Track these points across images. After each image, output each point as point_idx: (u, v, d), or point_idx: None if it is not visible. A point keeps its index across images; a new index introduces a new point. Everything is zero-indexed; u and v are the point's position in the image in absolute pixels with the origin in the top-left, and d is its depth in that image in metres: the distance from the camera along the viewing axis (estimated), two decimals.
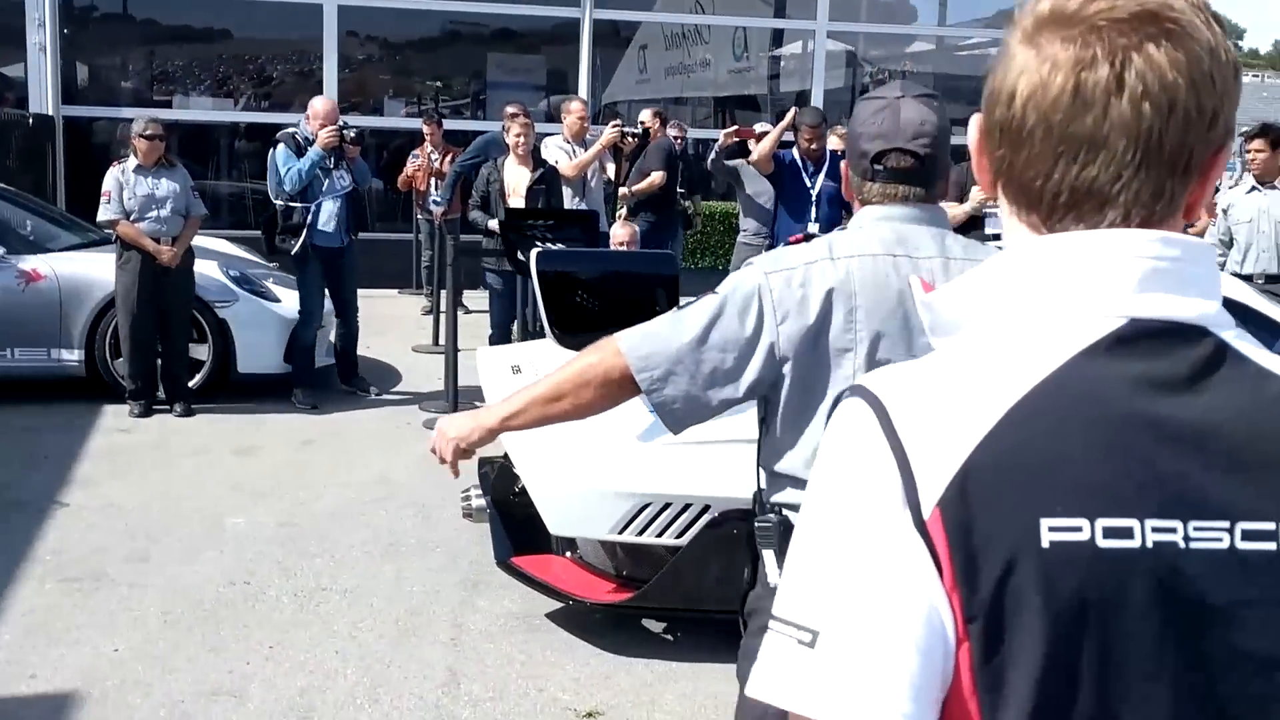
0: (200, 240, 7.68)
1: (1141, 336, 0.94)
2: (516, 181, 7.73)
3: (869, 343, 2.14)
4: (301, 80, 13.57)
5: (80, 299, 7.45)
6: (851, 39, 15.19)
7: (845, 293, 2.14)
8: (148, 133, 7.25)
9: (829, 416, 2.20)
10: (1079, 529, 0.89)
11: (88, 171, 12.27)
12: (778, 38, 15.53)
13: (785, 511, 2.23)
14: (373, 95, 14.02)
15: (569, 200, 8.28)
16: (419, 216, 11.37)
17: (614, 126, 8.45)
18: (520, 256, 5.60)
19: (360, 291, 8.15)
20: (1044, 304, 0.97)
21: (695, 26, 14.76)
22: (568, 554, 4.55)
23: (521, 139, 7.72)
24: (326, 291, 7.78)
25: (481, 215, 7.74)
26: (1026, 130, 0.96)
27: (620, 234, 8.17)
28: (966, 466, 0.91)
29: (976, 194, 7.56)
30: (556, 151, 8.41)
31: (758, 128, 9.06)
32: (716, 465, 4.00)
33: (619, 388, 2.21)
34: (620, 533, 4.20)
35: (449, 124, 11.89)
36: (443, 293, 9.32)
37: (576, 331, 4.26)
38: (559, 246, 5.54)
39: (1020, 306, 0.98)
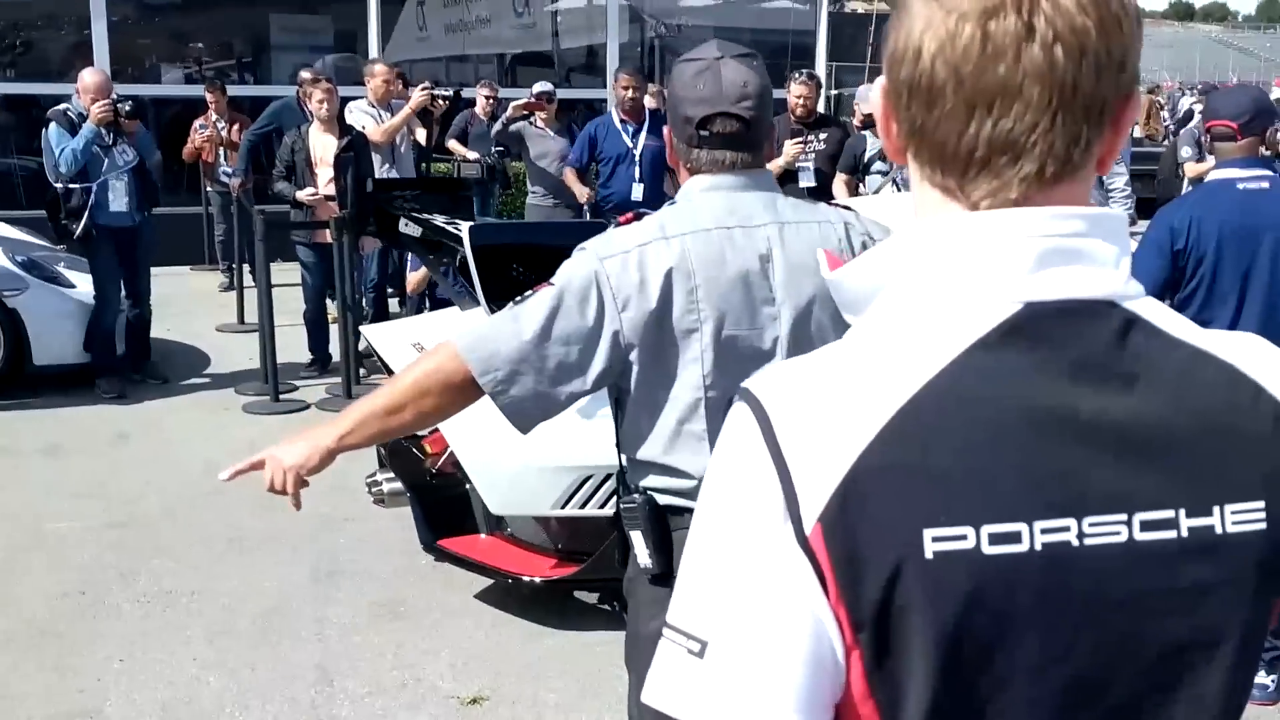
0: None
1: (1040, 320, 0.92)
2: (324, 150, 7.44)
3: (714, 321, 2.12)
4: (63, 46, 12.70)
5: None
6: None
7: (684, 272, 2.11)
8: None
9: (688, 403, 2.17)
10: (963, 537, 0.88)
11: None
12: None
13: (650, 492, 2.23)
14: (147, 61, 13.23)
15: (379, 167, 8.02)
16: (209, 189, 10.82)
17: (423, 89, 8.22)
18: (404, 228, 5.40)
19: (152, 270, 7.70)
20: (939, 292, 0.94)
21: None
22: (496, 532, 4.45)
23: (325, 105, 7.43)
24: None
25: (288, 186, 7.43)
26: (937, 86, 0.93)
27: None
28: (848, 479, 0.89)
29: (789, 148, 7.67)
30: (363, 116, 8.14)
31: (536, 88, 8.93)
32: None
33: (461, 392, 2.14)
34: (563, 507, 4.13)
35: (233, 90, 11.35)
36: (246, 268, 8.97)
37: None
38: (428, 216, 5.37)
39: (917, 294, 0.95)
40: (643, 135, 7.72)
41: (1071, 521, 0.90)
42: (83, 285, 7.34)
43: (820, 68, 14.31)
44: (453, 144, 9.64)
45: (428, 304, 7.92)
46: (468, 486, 4.30)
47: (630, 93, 7.82)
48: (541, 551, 4.37)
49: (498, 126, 8.47)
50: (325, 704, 3.84)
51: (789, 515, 0.90)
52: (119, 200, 7.16)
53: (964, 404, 0.90)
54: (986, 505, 0.89)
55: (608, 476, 4.13)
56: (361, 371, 7.44)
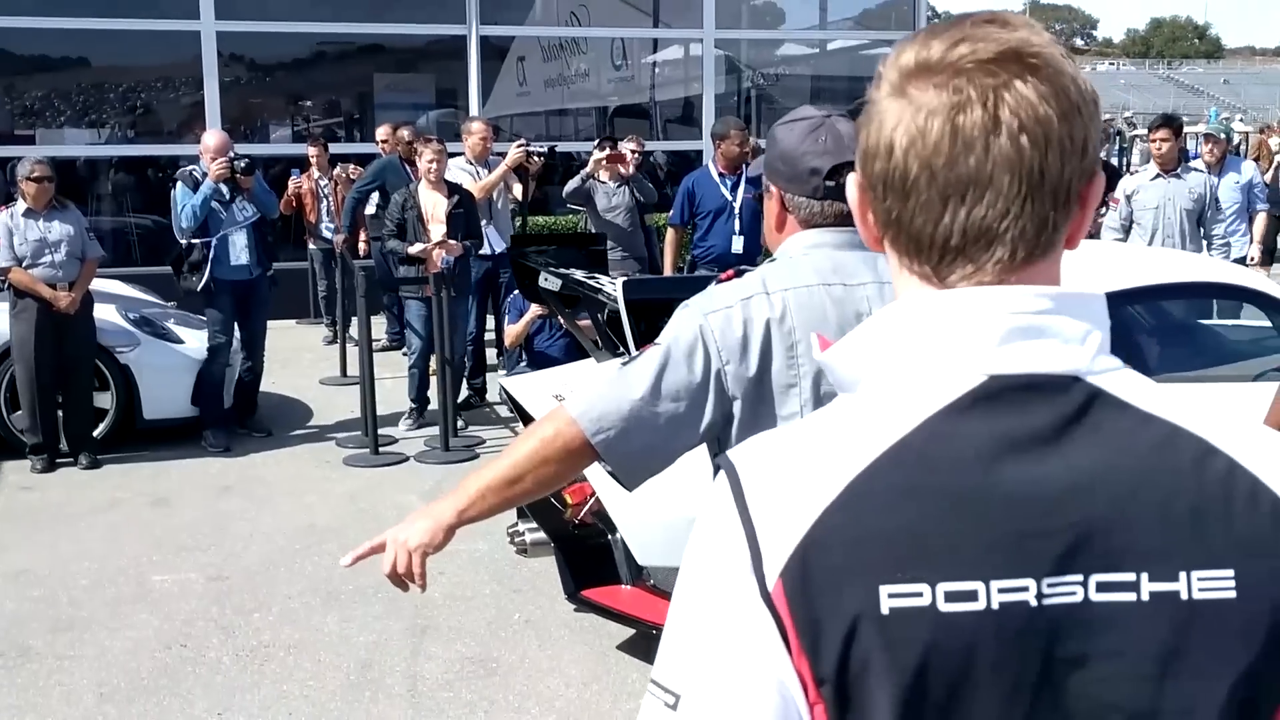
0: (96, 283, 7.36)
1: (1004, 392, 0.95)
2: (434, 207, 7.58)
3: (813, 376, 2.13)
4: (177, 108, 13.15)
5: None
6: (732, 45, 15.25)
7: (784, 329, 2.13)
8: (35, 175, 6.92)
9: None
10: (919, 594, 0.91)
11: None
12: (655, 45, 15.53)
13: None
14: (257, 120, 13.64)
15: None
16: (311, 246, 11.09)
17: (519, 147, 8.33)
18: (544, 283, 5.48)
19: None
20: (912, 363, 0.98)
21: (572, 38, 14.67)
22: (637, 582, 4.45)
23: (435, 165, 7.57)
24: (236, 326, 7.54)
25: (399, 244, 7.56)
26: (911, 179, 0.97)
27: None
28: (809, 537, 0.92)
29: None
30: (460, 174, 8.26)
31: (622, 146, 8.91)
32: None
33: (579, 456, 2.15)
34: None
35: (336, 147, 11.63)
36: (351, 320, 9.14)
37: None
38: (568, 271, 5.45)
39: (895, 366, 0.99)
40: (741, 187, 7.67)
41: (1030, 581, 0.91)
42: (191, 341, 7.55)
43: None
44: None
45: (523, 357, 7.99)
46: (611, 537, 4.32)
47: (740, 146, 7.80)
48: None
49: (574, 184, 8.43)
50: None
51: (754, 572, 0.93)
52: (238, 254, 7.37)
53: (924, 468, 0.94)
54: (943, 564, 0.91)
55: None
56: (460, 423, 7.52)
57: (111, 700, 4.24)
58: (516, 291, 8.01)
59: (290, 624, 4.86)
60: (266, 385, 8.22)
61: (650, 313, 4.39)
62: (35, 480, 6.83)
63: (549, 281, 5.45)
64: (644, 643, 4.27)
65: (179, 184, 7.32)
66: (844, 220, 2.22)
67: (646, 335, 4.26)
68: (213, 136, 7.53)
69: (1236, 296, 5.60)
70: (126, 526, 6.07)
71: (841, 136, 2.21)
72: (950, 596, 0.91)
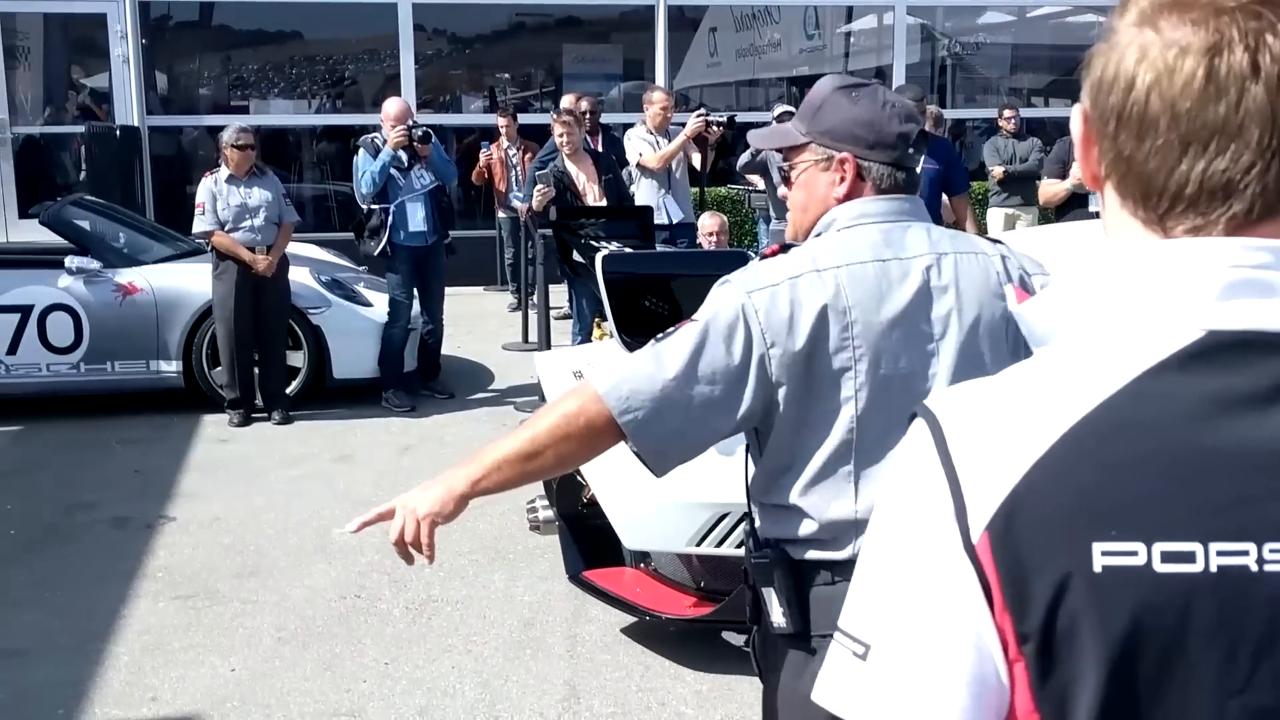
0: (291, 247, 7.69)
1: (1221, 349, 0.90)
2: (580, 180, 7.66)
3: (870, 359, 1.99)
4: (378, 79, 13.59)
5: (176, 311, 7.49)
6: (928, 13, 14.86)
7: (838, 309, 1.99)
8: (239, 142, 7.26)
9: (836, 445, 1.98)
10: (1134, 553, 0.88)
11: (173, 181, 12.41)
12: (849, 14, 15.24)
13: (783, 546, 2.08)
14: (449, 91, 13.99)
15: (654, 193, 8.18)
16: (500, 214, 11.34)
17: (699, 116, 8.31)
18: (576, 257, 5.41)
19: (447, 290, 8.13)
20: (1123, 316, 0.93)
21: (765, 6, 14.53)
22: (641, 566, 4.41)
23: (565, 138, 7.65)
24: (416, 291, 7.77)
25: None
26: (1149, 119, 0.92)
27: (709, 224, 8.04)
28: (1017, 490, 0.90)
29: (1078, 169, 7.30)
30: (640, 143, 8.31)
31: (776, 110, 8.78)
32: None
33: (603, 435, 2.01)
34: (698, 545, 4.03)
35: (525, 118, 11.83)
36: (531, 289, 9.32)
37: (645, 336, 4.15)
38: (615, 246, 5.35)
39: (1103, 318, 0.95)
40: (921, 158, 7.49)
41: (1250, 546, 0.87)
42: (380, 304, 7.81)
43: None
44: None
45: None
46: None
47: (924, 116, 7.62)
48: (682, 589, 4.27)
49: (743, 159, 8.36)
50: None
51: (957, 523, 0.91)
52: (416, 221, 7.58)
53: (1138, 427, 0.90)
54: (1158, 524, 0.88)
55: (745, 515, 4.01)
56: None
57: (289, 644, 4.45)
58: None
59: (459, 580, 5.00)
60: (451, 349, 8.45)
61: (632, 289, 4.19)
62: (231, 434, 7.20)
63: (580, 255, 5.36)
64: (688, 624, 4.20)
65: (361, 151, 7.58)
66: (899, 189, 2.13)
67: (625, 313, 4.14)
68: (393, 104, 7.74)
69: None
70: (312, 481, 6.33)
71: (908, 104, 2.18)
72: (1167, 557, 0.88)
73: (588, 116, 8.72)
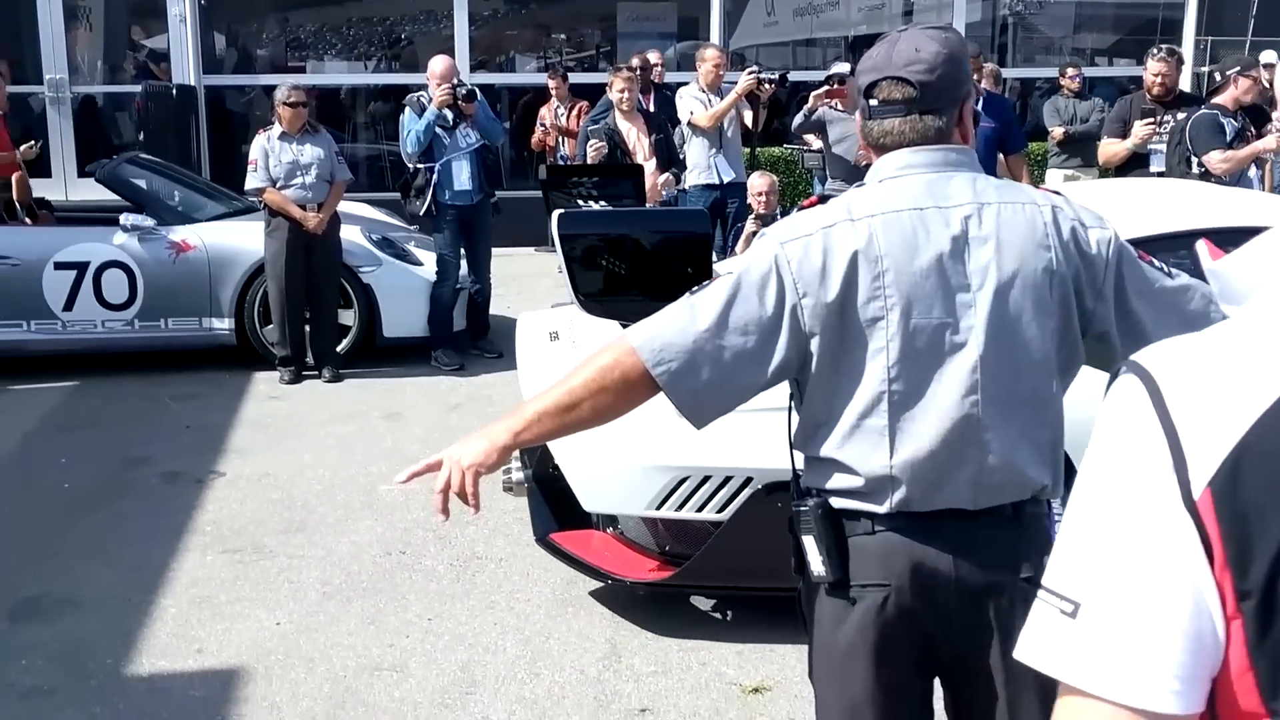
0: (343, 205, 7.71)
1: None
2: (632, 138, 7.59)
3: (901, 309, 1.95)
4: (432, 39, 13.55)
5: (229, 268, 7.55)
6: None
7: (870, 257, 1.96)
8: (290, 100, 7.28)
9: (870, 397, 1.95)
10: None
11: (229, 140, 12.47)
12: None
13: (826, 496, 2.06)
14: (503, 51, 13.94)
15: (704, 152, 8.11)
16: None
17: (750, 73, 8.21)
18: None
19: (496, 250, 8.13)
20: None
21: None
22: (609, 530, 4.37)
23: (625, 94, 7.58)
24: (463, 250, 7.76)
25: None
26: None
27: (758, 184, 7.95)
28: (1241, 445, 0.88)
29: (1139, 129, 7.14)
30: (692, 101, 8.22)
31: (833, 69, 8.64)
32: (757, 435, 3.66)
33: (638, 388, 2.04)
34: (658, 508, 3.97)
35: (577, 77, 11.75)
36: None
37: (603, 297, 4.08)
38: (600, 205, 5.28)
39: None
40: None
41: None
42: (429, 264, 7.81)
43: (1188, 43, 13.28)
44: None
45: None
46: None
47: (976, 75, 7.48)
48: (647, 553, 4.22)
49: (798, 119, 8.26)
50: (611, 679, 3.90)
51: (1176, 479, 0.90)
52: (461, 180, 7.57)
53: None
54: None
55: (705, 479, 3.93)
56: None
57: (334, 598, 4.48)
58: (746, 220, 7.95)
59: (503, 537, 5.00)
60: (501, 309, 8.44)
61: (590, 248, 4.08)
62: (282, 390, 7.25)
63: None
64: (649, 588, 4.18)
65: (407, 110, 7.58)
66: (932, 139, 2.05)
67: (583, 272, 4.02)
68: (438, 62, 7.71)
69: None
70: (360, 438, 6.37)
71: (895, 50, 2.05)
72: None
73: (640, 73, 8.65)
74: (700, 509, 3.98)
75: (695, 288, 2.07)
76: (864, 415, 2.00)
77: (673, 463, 3.94)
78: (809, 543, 2.07)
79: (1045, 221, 2.03)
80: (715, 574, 4.09)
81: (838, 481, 2.04)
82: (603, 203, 5.20)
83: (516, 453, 4.71)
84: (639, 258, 4.09)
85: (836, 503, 2.05)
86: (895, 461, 1.98)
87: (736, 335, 1.99)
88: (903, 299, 1.96)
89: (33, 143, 9.01)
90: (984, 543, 2.02)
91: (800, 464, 2.15)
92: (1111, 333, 2.07)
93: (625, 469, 4.01)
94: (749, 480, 3.92)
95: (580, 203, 5.47)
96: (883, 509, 2.01)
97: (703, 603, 4.38)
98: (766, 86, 8.28)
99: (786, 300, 1.98)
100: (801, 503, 2.09)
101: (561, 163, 10.38)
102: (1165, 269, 2.12)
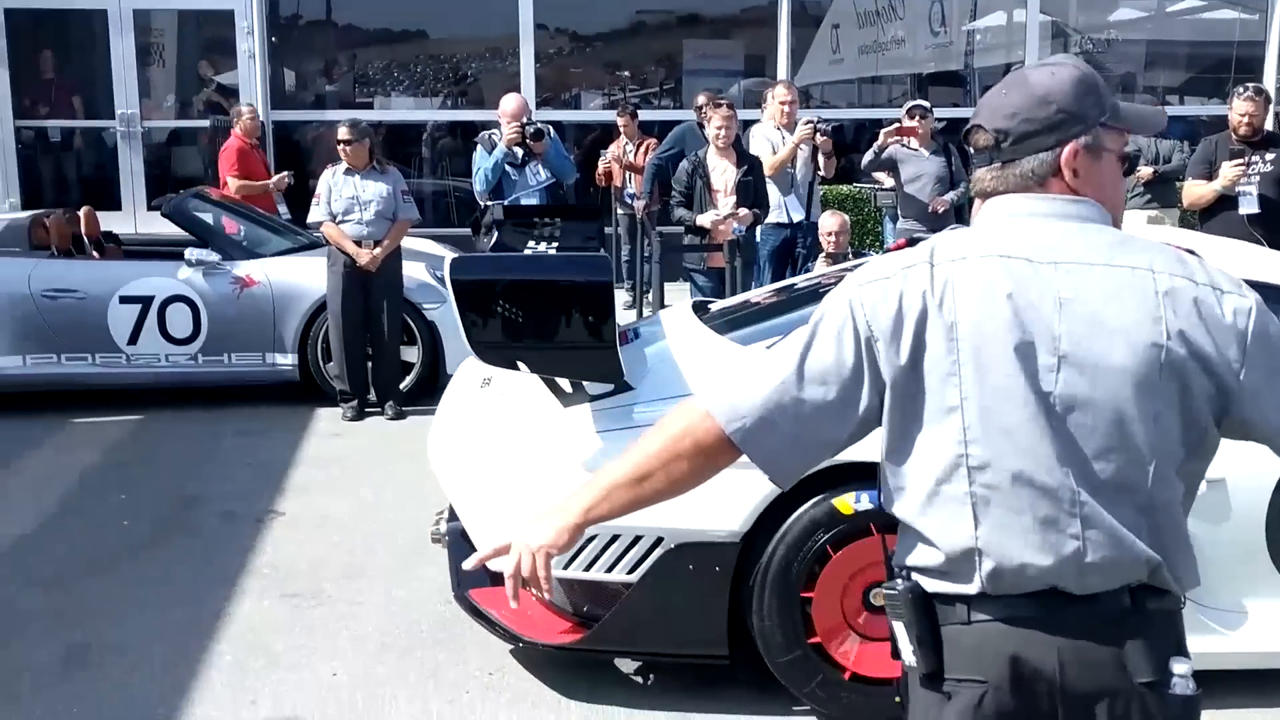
0: (407, 242, 7.64)
1: None
2: (723, 175, 7.44)
3: (975, 364, 1.76)
4: (499, 77, 13.57)
5: (292, 303, 7.50)
6: (1059, 8, 14.35)
7: (943, 306, 1.78)
8: (343, 136, 7.24)
9: (948, 461, 1.78)
10: None
11: (298, 176, 12.53)
12: (974, 10, 14.80)
13: (914, 574, 1.87)
14: (569, 88, 13.92)
15: (774, 197, 7.96)
16: (617, 211, 11.22)
17: (806, 123, 8.14)
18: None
19: None
20: None
21: (889, 3, 14.18)
22: (531, 588, 4.14)
23: (723, 130, 7.42)
24: None
25: (687, 213, 7.47)
26: None
27: (829, 224, 7.79)
28: None
29: (1228, 171, 6.89)
30: (764, 142, 8.12)
31: (907, 106, 8.55)
32: None
33: (716, 453, 1.91)
34: (565, 568, 3.73)
35: (644, 114, 11.67)
36: (647, 287, 9.16)
37: (497, 345, 3.94)
38: (553, 249, 5.11)
39: None
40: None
41: None
42: None
43: (1270, 81, 12.96)
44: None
45: None
46: None
47: None
48: (560, 614, 4.00)
49: (868, 157, 8.16)
50: None
51: None
52: None
53: None
54: None
55: (614, 538, 3.70)
56: None
57: (392, 650, 4.33)
58: (817, 260, 7.79)
59: None
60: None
61: (484, 294, 3.89)
62: (344, 428, 7.17)
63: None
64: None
65: (478, 147, 7.53)
66: (1019, 187, 1.87)
67: (476, 322, 3.84)
68: (509, 101, 7.68)
69: None
70: (422, 479, 6.20)
71: (993, 91, 1.91)
72: None
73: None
74: (610, 569, 3.76)
75: (772, 343, 1.95)
76: (941, 481, 1.82)
77: None
78: (899, 629, 1.89)
79: (1159, 290, 1.79)
80: (624, 638, 3.86)
81: (921, 556, 1.86)
82: (555, 246, 5.05)
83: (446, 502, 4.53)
84: (535, 305, 3.91)
85: (927, 584, 1.87)
86: (981, 534, 1.79)
87: (814, 385, 1.85)
88: (976, 354, 1.78)
89: (285, 174, 9.13)
90: (1092, 635, 1.79)
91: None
92: (1255, 420, 1.82)
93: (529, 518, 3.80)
94: (659, 541, 3.69)
95: (532, 245, 5.32)
96: (972, 588, 1.81)
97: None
98: (821, 135, 8.13)
99: (862, 347, 1.84)
100: (891, 585, 1.91)
101: (630, 199, 10.26)
102: None
